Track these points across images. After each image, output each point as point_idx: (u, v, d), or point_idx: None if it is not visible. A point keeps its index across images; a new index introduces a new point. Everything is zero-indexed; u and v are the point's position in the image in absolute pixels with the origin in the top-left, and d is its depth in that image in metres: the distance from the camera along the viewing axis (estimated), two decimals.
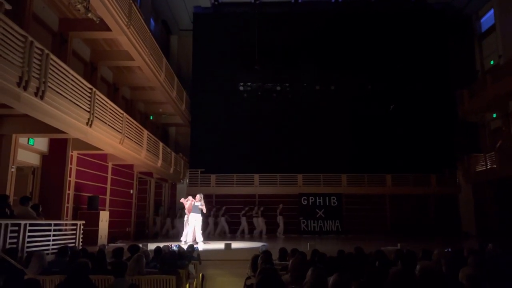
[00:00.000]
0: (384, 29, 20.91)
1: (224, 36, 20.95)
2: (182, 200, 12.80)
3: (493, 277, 2.80)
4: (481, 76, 20.11)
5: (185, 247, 10.86)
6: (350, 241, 14.30)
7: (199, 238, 12.04)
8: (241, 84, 21.09)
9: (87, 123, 9.03)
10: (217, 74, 20.70)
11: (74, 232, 8.93)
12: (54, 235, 8.06)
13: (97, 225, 10.91)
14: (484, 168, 18.02)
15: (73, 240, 8.76)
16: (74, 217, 10.69)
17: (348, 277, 2.08)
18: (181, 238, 12.12)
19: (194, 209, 11.94)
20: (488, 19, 20.52)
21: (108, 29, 11.03)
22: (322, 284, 2.50)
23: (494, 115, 19.28)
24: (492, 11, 19.85)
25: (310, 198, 19.59)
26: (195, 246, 8.83)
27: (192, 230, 11.98)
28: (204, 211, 12.21)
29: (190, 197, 12.35)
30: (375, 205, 19.40)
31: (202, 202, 11.99)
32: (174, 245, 8.53)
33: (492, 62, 19.90)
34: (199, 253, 8.69)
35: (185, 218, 12.44)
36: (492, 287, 2.93)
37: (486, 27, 20.70)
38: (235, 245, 11.57)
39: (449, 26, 21.52)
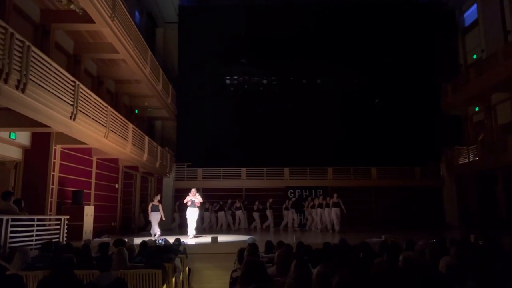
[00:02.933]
0: (370, 23, 21.03)
1: (210, 29, 20.80)
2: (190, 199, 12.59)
3: (474, 266, 2.86)
4: (464, 70, 20.40)
5: (193, 241, 11.12)
6: (336, 233, 14.47)
7: (192, 231, 12.20)
8: (228, 77, 21.02)
9: (70, 117, 8.89)
10: (204, 67, 20.58)
11: (58, 227, 8.83)
12: (37, 230, 7.96)
13: (82, 220, 10.80)
14: (467, 161, 18.35)
15: (57, 235, 8.66)
16: (58, 212, 10.55)
17: (332, 268, 2.10)
18: (188, 233, 12.20)
19: (192, 203, 12.24)
20: (471, 13, 20.77)
21: (92, 21, 10.84)
22: (306, 276, 2.53)
23: (477, 109, 19.60)
24: (475, 5, 20.09)
25: (297, 191, 19.71)
26: (182, 240, 8.81)
27: (192, 224, 12.25)
28: (198, 204, 12.37)
29: (193, 191, 12.40)
30: (361, 197, 19.61)
31: (197, 196, 12.29)
32: (160, 239, 8.51)
33: (475, 56, 20.17)
34: (185, 247, 8.68)
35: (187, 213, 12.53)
36: (473, 275, 2.99)
37: (469, 21, 20.96)
38: (222, 238, 11.60)
39: (434, 21, 21.75)
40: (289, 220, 17.88)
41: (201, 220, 16.89)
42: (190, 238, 11.83)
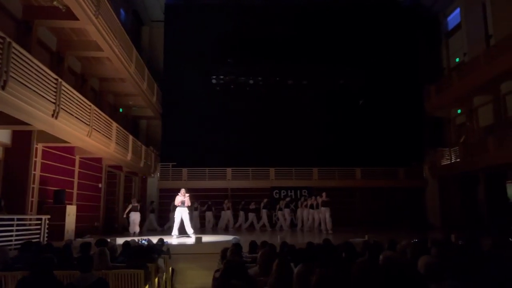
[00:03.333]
0: (355, 26, 21.24)
1: (197, 28, 20.72)
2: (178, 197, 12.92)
3: (453, 265, 2.91)
4: (447, 73, 20.75)
5: (176, 241, 11.16)
6: (320, 233, 14.55)
7: (190, 230, 12.44)
8: (214, 77, 20.95)
9: (52, 115, 8.75)
10: (190, 67, 20.46)
11: (39, 227, 8.68)
12: (17, 230, 7.80)
13: (64, 220, 10.62)
14: (449, 162, 18.65)
15: (38, 235, 8.51)
16: (39, 212, 10.36)
17: (311, 267, 2.11)
18: (172, 233, 12.40)
19: (182, 203, 12.47)
20: (454, 17, 21.13)
21: (75, 18, 10.68)
22: (287, 275, 2.53)
23: (459, 111, 19.94)
24: (458, 10, 20.45)
25: (282, 191, 19.75)
26: (165, 241, 8.74)
27: (177, 224, 12.40)
28: (188, 204, 12.59)
29: (182, 191, 12.68)
30: (345, 197, 19.75)
31: (186, 196, 12.54)
32: (143, 239, 8.43)
33: (457, 60, 20.54)
34: (168, 247, 8.62)
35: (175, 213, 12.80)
36: (452, 274, 3.04)
37: (452, 25, 21.32)
38: (206, 238, 11.57)
39: (418, 24, 22.09)
40: (282, 221, 17.63)
41: (191, 220, 16.78)
42: (175, 238, 11.89)
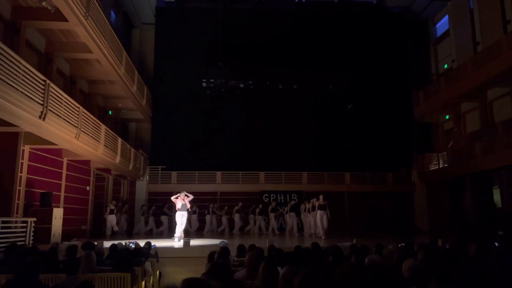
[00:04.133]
0: (346, 31, 21.39)
1: (188, 31, 20.70)
2: (172, 198, 13.32)
3: (437, 269, 2.94)
4: (435, 79, 21.00)
5: (179, 244, 11.30)
6: (309, 237, 14.56)
7: (178, 233, 12.65)
8: (204, 80, 20.89)
9: (40, 116, 8.66)
10: (180, 70, 20.42)
11: (25, 229, 8.56)
12: (2, 233, 7.68)
13: (50, 223, 10.49)
14: (437, 167, 18.85)
15: (23, 238, 8.39)
16: (26, 214, 10.22)
17: (296, 269, 2.12)
18: (175, 235, 12.65)
19: (182, 207, 12.77)
20: (442, 24, 21.44)
21: (65, 20, 10.61)
22: (273, 277, 2.53)
23: (447, 117, 20.19)
24: (446, 17, 20.75)
25: (272, 195, 19.75)
26: (153, 244, 8.68)
27: (180, 227, 12.69)
28: (188, 207, 12.99)
29: (180, 195, 13.02)
30: (334, 202, 19.69)
31: (186, 199, 12.86)
32: (130, 243, 8.36)
33: (446, 66, 20.82)
34: (157, 251, 8.56)
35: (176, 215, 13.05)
36: (437, 279, 3.07)
37: (441, 32, 21.62)
38: (194, 242, 11.53)
39: (408, 30, 22.33)
40: (289, 225, 17.13)
41: (189, 223, 16.72)
42: (177, 241, 12.10)
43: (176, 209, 12.93)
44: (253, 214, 17.97)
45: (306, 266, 3.24)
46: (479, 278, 2.03)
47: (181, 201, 12.78)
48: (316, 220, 14.21)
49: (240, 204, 18.10)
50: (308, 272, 1.72)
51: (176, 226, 12.83)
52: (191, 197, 13.17)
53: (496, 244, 8.41)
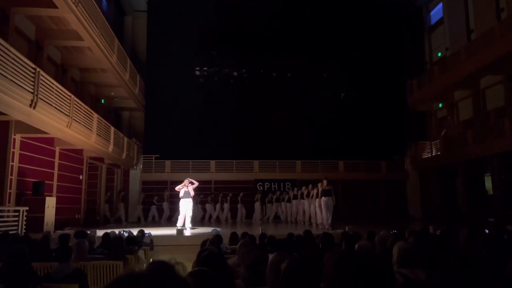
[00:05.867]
0: (340, 18, 21.22)
1: (181, 19, 20.43)
2: (177, 188, 12.78)
3: (427, 255, 2.98)
4: (429, 68, 21.00)
5: (187, 232, 11.28)
6: (303, 225, 14.63)
7: (188, 224, 12.27)
8: (198, 68, 20.76)
9: (30, 105, 8.56)
10: (173, 58, 20.19)
11: (17, 218, 8.53)
12: None
13: (43, 212, 10.44)
14: (430, 155, 18.96)
15: (16, 227, 8.37)
16: (18, 203, 10.16)
17: (285, 256, 2.13)
18: (177, 224, 12.22)
19: (185, 194, 12.29)
20: (437, 12, 21.36)
21: (54, 6, 10.43)
22: (262, 264, 2.54)
23: (440, 105, 20.24)
24: (441, 4, 20.67)
25: (266, 183, 19.82)
26: (148, 232, 8.70)
27: (183, 215, 12.27)
28: (192, 194, 12.45)
29: (185, 182, 12.53)
30: None
31: (190, 187, 12.40)
32: (124, 231, 8.37)
33: (439, 54, 20.80)
34: (152, 239, 8.59)
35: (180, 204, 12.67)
36: (426, 263, 3.09)
37: (435, 20, 21.55)
38: (193, 230, 11.61)
39: (402, 18, 22.23)
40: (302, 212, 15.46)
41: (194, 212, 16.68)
42: (188, 230, 11.88)
43: (180, 197, 12.48)
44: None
45: (297, 253, 3.26)
46: (465, 263, 2.05)
47: (185, 188, 12.34)
48: (317, 208, 12.88)
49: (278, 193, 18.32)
50: (295, 258, 1.72)
51: (180, 215, 12.39)
52: (196, 184, 12.68)
53: (487, 231, 8.51)
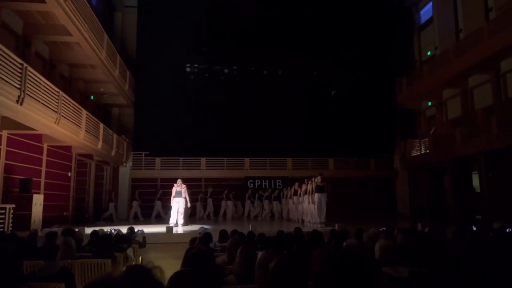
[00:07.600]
0: (331, 17, 21.24)
1: (171, 16, 20.28)
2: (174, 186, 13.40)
3: (412, 251, 3.00)
4: (418, 66, 21.17)
5: (179, 229, 11.70)
6: (293, 222, 14.67)
7: (180, 220, 12.86)
8: (188, 65, 20.65)
9: (17, 101, 8.44)
10: (163, 54, 20.04)
11: (3, 216, 8.41)
12: None
13: (30, 209, 10.31)
14: (419, 153, 19.13)
15: (2, 225, 8.25)
16: (4, 201, 10.03)
17: (274, 254, 2.12)
18: (170, 221, 12.71)
19: (177, 194, 12.96)
20: (426, 11, 21.52)
21: (42, 1, 10.29)
22: (251, 262, 2.54)
23: (429, 103, 20.42)
24: (430, 4, 20.82)
25: (256, 181, 19.83)
26: (138, 230, 8.63)
27: (175, 213, 12.86)
28: (185, 195, 13.07)
29: (178, 182, 13.27)
30: None
31: (183, 186, 13.06)
32: (113, 229, 8.31)
33: (429, 53, 20.97)
34: (144, 236, 8.53)
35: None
36: (409, 260, 3.11)
37: (425, 19, 21.71)
38: (178, 228, 11.55)
39: (392, 17, 22.33)
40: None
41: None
42: (180, 227, 12.43)
43: (172, 197, 13.12)
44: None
45: (287, 251, 3.27)
46: (451, 259, 2.07)
47: (177, 188, 12.98)
48: (310, 205, 12.80)
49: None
50: (283, 256, 1.72)
51: (172, 213, 12.96)
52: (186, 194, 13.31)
53: (474, 228, 8.62)
